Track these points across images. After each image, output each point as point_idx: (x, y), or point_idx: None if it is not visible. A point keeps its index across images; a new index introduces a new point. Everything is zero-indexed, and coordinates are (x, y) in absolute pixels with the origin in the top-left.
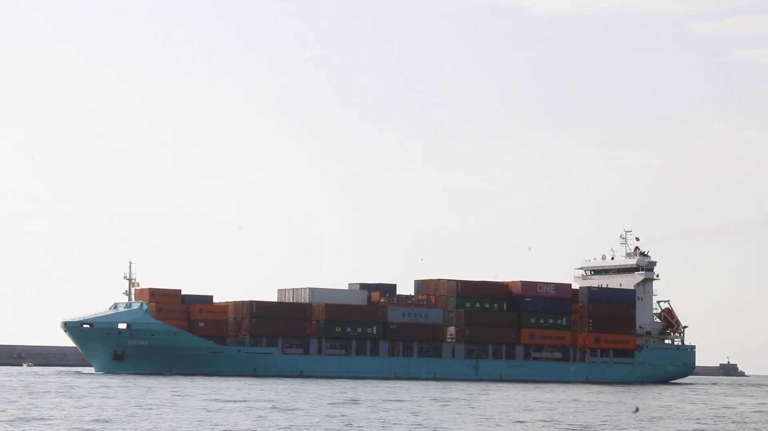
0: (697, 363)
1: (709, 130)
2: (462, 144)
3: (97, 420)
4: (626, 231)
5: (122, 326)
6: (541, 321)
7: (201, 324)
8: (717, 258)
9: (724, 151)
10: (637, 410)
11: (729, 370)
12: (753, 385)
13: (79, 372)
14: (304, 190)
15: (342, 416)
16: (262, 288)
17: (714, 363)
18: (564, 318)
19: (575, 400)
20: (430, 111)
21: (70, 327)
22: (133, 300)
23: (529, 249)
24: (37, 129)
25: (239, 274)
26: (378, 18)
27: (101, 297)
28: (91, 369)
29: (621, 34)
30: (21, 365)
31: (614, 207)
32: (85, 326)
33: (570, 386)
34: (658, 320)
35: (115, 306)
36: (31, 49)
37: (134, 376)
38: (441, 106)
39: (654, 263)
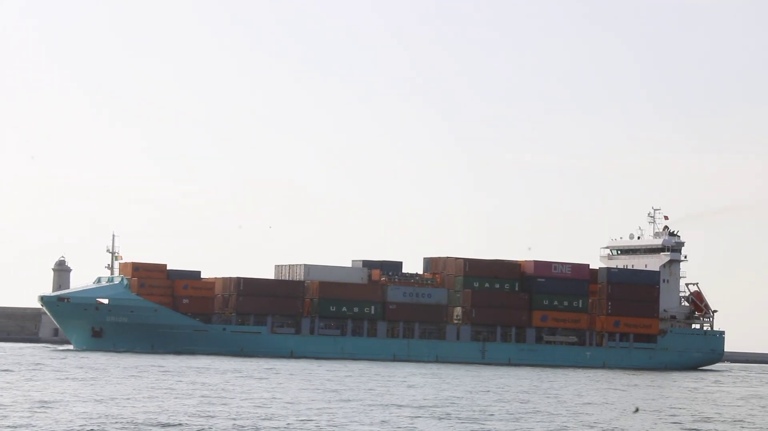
0: None
1: None
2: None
3: None
4: (654, 210)
5: (101, 301)
6: (555, 303)
7: (185, 301)
8: (753, 240)
9: None
10: (636, 410)
11: None
12: None
13: (55, 349)
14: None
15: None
16: (263, 264)
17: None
18: (580, 301)
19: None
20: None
21: (47, 302)
22: (116, 274)
23: (529, 249)
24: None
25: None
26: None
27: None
28: (70, 346)
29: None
30: None
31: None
32: (61, 301)
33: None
34: (685, 304)
35: (99, 280)
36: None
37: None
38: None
39: (681, 243)
